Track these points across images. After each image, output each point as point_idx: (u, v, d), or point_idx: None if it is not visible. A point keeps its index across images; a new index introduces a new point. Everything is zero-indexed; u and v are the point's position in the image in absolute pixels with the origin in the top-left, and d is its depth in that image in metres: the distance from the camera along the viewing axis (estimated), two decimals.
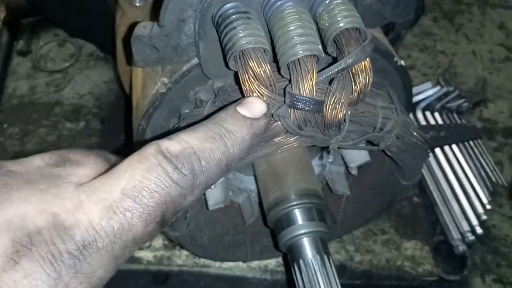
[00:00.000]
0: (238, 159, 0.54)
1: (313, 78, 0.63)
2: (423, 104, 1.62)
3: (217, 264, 1.22)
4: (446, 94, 1.65)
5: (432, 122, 1.60)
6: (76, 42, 1.80)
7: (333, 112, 0.66)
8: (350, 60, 0.64)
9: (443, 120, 1.62)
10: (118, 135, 1.57)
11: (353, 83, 0.66)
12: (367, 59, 0.66)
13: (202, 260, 1.22)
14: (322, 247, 0.84)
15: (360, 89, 0.66)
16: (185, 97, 0.83)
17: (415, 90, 1.65)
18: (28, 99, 1.67)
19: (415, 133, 0.79)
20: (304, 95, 0.63)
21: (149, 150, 0.48)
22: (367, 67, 0.65)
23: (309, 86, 0.63)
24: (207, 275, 1.25)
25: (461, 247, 1.32)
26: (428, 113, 1.63)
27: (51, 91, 1.69)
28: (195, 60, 0.78)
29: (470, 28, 2.00)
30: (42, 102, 1.66)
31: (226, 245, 1.07)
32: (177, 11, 0.69)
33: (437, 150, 1.51)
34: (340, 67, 0.64)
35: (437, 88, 1.64)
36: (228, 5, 0.67)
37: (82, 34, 1.42)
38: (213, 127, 0.53)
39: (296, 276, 0.82)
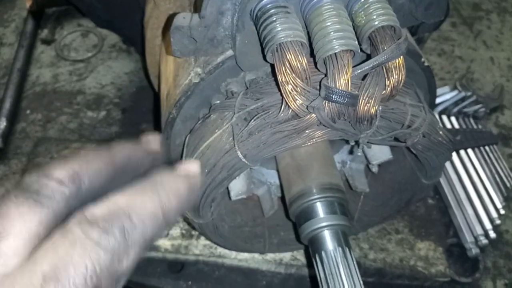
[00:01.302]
0: (176, 210, 0.48)
1: (349, 73, 0.65)
2: (440, 108, 1.63)
3: (233, 255, 1.25)
4: (463, 99, 1.66)
5: (449, 126, 1.61)
6: (99, 33, 1.84)
7: (366, 107, 0.68)
8: (385, 56, 0.66)
9: (459, 124, 1.63)
10: (138, 125, 1.60)
11: (386, 79, 0.68)
12: (401, 56, 0.68)
13: (219, 250, 1.25)
14: (343, 240, 0.86)
15: (393, 85, 0.68)
16: (217, 88, 0.85)
17: None
18: (51, 87, 1.70)
19: (441, 132, 0.81)
20: (339, 88, 0.65)
21: (73, 220, 0.42)
22: (401, 64, 0.67)
23: (345, 80, 0.65)
24: (222, 266, 1.27)
25: (474, 250, 1.33)
26: (444, 117, 1.64)
27: (74, 80, 1.72)
28: (229, 52, 0.80)
29: (489, 34, 2.00)
30: (65, 90, 1.69)
31: (245, 236, 1.09)
32: (217, 3, 0.71)
33: (453, 154, 1.52)
34: (375, 62, 0.66)
35: (455, 92, 1.66)
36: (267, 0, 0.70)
37: (108, 24, 1.45)
38: (144, 181, 0.48)
39: (317, 268, 0.84)
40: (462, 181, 1.46)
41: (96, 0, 1.33)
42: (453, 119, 1.65)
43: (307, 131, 0.71)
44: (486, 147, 1.59)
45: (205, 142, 0.81)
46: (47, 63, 1.77)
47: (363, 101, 0.67)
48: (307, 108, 0.67)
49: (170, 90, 0.92)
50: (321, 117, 0.67)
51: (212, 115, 0.84)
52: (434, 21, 0.83)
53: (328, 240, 0.85)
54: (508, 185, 1.51)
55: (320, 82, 0.66)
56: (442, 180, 1.47)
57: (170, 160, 1.00)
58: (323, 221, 0.87)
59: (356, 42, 0.66)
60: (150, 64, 1.19)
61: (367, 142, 0.74)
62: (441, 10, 0.81)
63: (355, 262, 0.83)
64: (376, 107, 0.68)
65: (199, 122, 0.87)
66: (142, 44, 1.21)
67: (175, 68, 0.92)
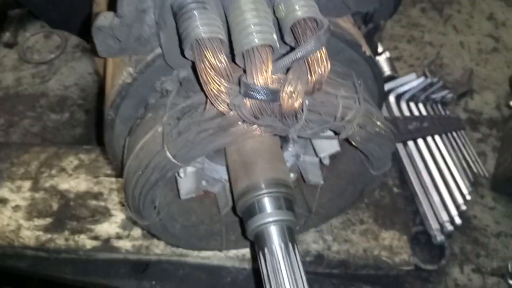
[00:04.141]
0: None
1: (268, 68, 0.64)
2: (407, 95, 1.62)
3: (195, 253, 1.24)
4: (430, 85, 1.64)
5: (416, 113, 1.60)
6: (62, 33, 1.81)
7: (289, 102, 0.66)
8: (305, 49, 0.64)
9: (427, 111, 1.62)
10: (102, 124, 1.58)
11: (309, 73, 0.66)
12: (324, 48, 0.66)
13: (181, 249, 1.24)
14: (288, 235, 0.84)
15: (316, 78, 0.67)
16: (152, 87, 0.83)
17: (400, 81, 1.65)
18: (14, 90, 1.68)
19: (378, 123, 0.80)
20: (258, 85, 0.63)
21: None
22: (323, 57, 0.66)
23: (264, 75, 0.63)
24: (186, 264, 1.26)
25: (439, 237, 1.33)
26: (412, 104, 1.63)
27: (37, 83, 1.70)
28: (158, 50, 0.78)
29: (459, 19, 1.98)
30: (28, 93, 1.67)
31: (200, 235, 1.08)
32: (135, 1, 0.69)
33: (420, 141, 1.51)
34: (295, 56, 0.64)
35: (422, 79, 1.64)
36: None
37: (63, 25, 1.42)
38: None
39: (261, 264, 0.83)
40: (428, 168, 1.45)
41: (48, 2, 1.30)
42: (420, 105, 1.64)
43: (232, 128, 0.70)
44: (454, 133, 1.58)
45: (138, 143, 0.80)
46: (9, 66, 1.75)
47: (286, 95, 0.66)
48: (228, 105, 0.66)
49: (108, 91, 0.90)
50: (243, 115, 0.66)
51: (147, 115, 0.83)
52: (367, 10, 0.81)
53: (272, 236, 0.84)
54: (475, 170, 1.51)
55: (239, 78, 0.65)
56: (409, 168, 1.46)
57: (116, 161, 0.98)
58: (267, 216, 0.86)
59: (275, 36, 0.65)
60: (97, 64, 1.17)
61: (298, 137, 0.73)
62: None
63: (299, 259, 0.82)
64: (300, 101, 0.67)
65: (136, 123, 0.85)
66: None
67: (113, 68, 0.90)
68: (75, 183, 1.34)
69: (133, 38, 0.75)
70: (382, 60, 1.73)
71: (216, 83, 0.65)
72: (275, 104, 0.67)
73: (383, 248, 1.28)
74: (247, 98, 0.65)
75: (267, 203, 0.88)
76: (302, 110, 0.69)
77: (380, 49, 1.71)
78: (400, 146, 1.50)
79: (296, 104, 0.67)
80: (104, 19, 0.72)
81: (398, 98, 1.62)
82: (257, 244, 0.86)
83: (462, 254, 1.38)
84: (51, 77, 1.71)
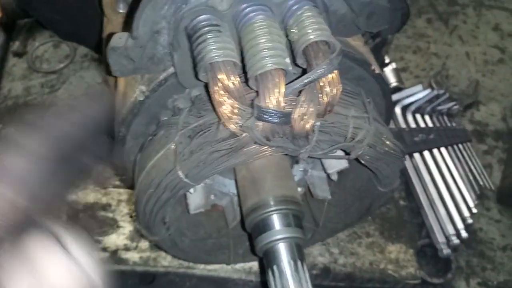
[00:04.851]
0: None
1: (281, 91, 0.64)
2: (413, 107, 1.62)
3: (202, 265, 1.25)
4: (437, 97, 1.65)
5: (422, 124, 1.60)
6: (71, 43, 1.82)
7: (301, 123, 0.67)
8: (317, 73, 0.65)
9: (433, 122, 1.63)
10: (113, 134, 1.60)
11: (320, 95, 0.67)
12: (335, 71, 0.67)
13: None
14: (297, 253, 0.85)
15: (328, 101, 0.67)
16: (164, 105, 0.84)
17: (405, 92, 1.66)
18: (23, 100, 1.69)
19: (388, 142, 0.80)
20: (271, 108, 0.64)
21: None
22: (335, 79, 0.67)
23: (276, 98, 0.64)
24: (193, 276, 1.27)
25: (445, 251, 1.33)
26: (418, 116, 1.63)
27: (46, 92, 1.71)
28: (171, 69, 0.79)
29: (465, 29, 1.99)
30: (37, 103, 1.68)
31: (208, 249, 1.09)
32: (150, 23, 0.71)
33: (426, 153, 1.52)
34: (307, 79, 0.65)
35: (428, 90, 1.64)
36: (200, 17, 0.69)
37: (72, 36, 1.44)
38: None
39: (269, 282, 0.83)
40: (434, 180, 1.46)
41: (57, 13, 1.32)
42: (427, 117, 1.64)
43: (244, 149, 0.71)
44: (460, 145, 1.59)
45: (150, 161, 0.81)
46: (19, 76, 1.76)
47: (298, 118, 0.66)
48: (241, 127, 0.67)
49: (119, 108, 0.91)
50: (255, 137, 0.67)
51: (159, 133, 0.84)
52: (377, 30, 0.82)
53: (281, 253, 0.85)
54: (481, 183, 1.51)
55: (253, 101, 0.66)
56: (415, 180, 1.47)
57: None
58: (276, 234, 0.87)
59: (288, 60, 0.66)
60: (107, 78, 1.18)
61: (308, 157, 0.74)
62: (384, 19, 0.80)
63: (308, 276, 0.82)
64: (312, 122, 0.67)
65: (148, 140, 0.86)
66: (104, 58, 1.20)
67: (124, 86, 0.91)
68: (83, 194, 1.35)
69: (146, 58, 0.77)
70: (388, 71, 1.74)
71: (229, 105, 0.66)
72: (286, 126, 0.68)
73: (390, 262, 1.28)
74: (259, 121, 0.66)
75: (276, 220, 0.88)
76: (313, 132, 0.70)
77: (386, 60, 1.72)
78: (406, 158, 1.50)
79: (308, 126, 0.68)
80: (118, 40, 0.74)
81: (404, 109, 1.63)
82: (266, 261, 0.87)
83: (468, 268, 1.38)
84: (60, 86, 1.73)
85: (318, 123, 0.70)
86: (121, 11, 1.02)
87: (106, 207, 1.34)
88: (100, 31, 1.27)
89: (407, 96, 1.64)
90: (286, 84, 0.66)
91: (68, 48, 1.83)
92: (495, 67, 1.87)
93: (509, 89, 1.79)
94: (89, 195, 1.36)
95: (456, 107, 1.67)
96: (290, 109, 0.66)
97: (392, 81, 1.71)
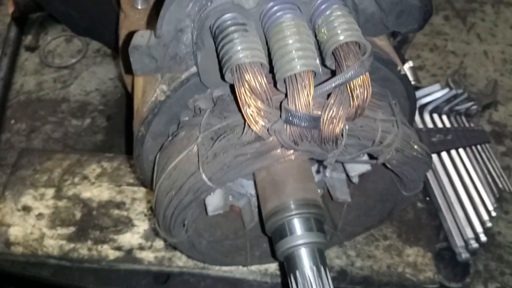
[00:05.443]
0: None
1: (310, 94, 0.62)
2: (430, 107, 1.59)
3: (217, 266, 1.23)
4: (455, 97, 1.61)
5: (440, 125, 1.57)
6: (84, 38, 1.81)
7: (330, 127, 0.65)
8: (348, 75, 0.62)
9: (451, 123, 1.59)
10: (123, 132, 1.58)
11: (351, 98, 0.65)
12: (366, 73, 0.64)
13: None
14: (319, 258, 0.83)
15: (358, 104, 0.65)
16: (185, 104, 0.82)
17: (423, 92, 1.62)
18: (35, 95, 1.68)
19: (415, 146, 0.78)
20: (300, 111, 0.62)
21: None
22: (366, 82, 0.64)
23: (306, 101, 0.62)
24: (208, 276, 1.25)
25: (464, 255, 1.30)
26: (435, 116, 1.60)
27: (58, 88, 1.70)
28: (193, 69, 0.77)
29: (483, 27, 1.95)
30: (49, 98, 1.67)
31: (225, 250, 1.07)
32: (174, 21, 0.68)
33: (444, 154, 1.49)
34: (338, 82, 0.63)
35: (446, 90, 1.61)
36: (226, 16, 0.67)
37: (86, 31, 1.42)
38: None
39: (292, 287, 0.81)
40: (453, 182, 1.43)
41: (71, 8, 1.30)
42: (444, 117, 1.61)
43: (271, 153, 0.69)
44: (478, 146, 1.56)
45: (172, 162, 0.79)
46: (31, 70, 1.75)
47: (327, 121, 0.64)
48: (268, 130, 0.64)
49: (138, 107, 0.90)
50: (283, 140, 0.64)
51: (180, 133, 0.82)
52: (406, 30, 0.79)
53: (303, 259, 0.83)
54: (500, 185, 1.48)
55: (281, 103, 0.63)
56: (432, 182, 1.44)
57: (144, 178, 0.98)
58: (298, 239, 0.84)
59: (317, 61, 0.63)
60: (125, 75, 1.16)
61: (336, 161, 0.71)
62: (413, 18, 0.78)
63: (330, 281, 0.80)
64: (341, 126, 0.65)
65: (168, 140, 0.84)
66: (118, 52, 1.18)
67: (144, 84, 0.89)
68: (97, 192, 1.34)
69: (168, 57, 0.75)
70: (405, 69, 1.70)
71: (256, 107, 0.64)
72: (315, 130, 0.65)
73: (407, 265, 1.26)
74: (287, 124, 0.63)
75: (297, 225, 0.86)
76: (342, 136, 0.67)
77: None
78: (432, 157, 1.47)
79: (337, 130, 0.65)
80: (141, 38, 0.72)
81: (421, 109, 1.60)
82: (288, 266, 0.85)
83: (487, 272, 1.35)
84: (72, 81, 1.72)
85: (347, 127, 0.68)
86: (139, 7, 1.00)
87: (120, 205, 1.33)
88: (115, 26, 1.25)
89: (424, 96, 1.61)
90: (315, 86, 0.64)
91: (81, 43, 1.82)
92: None
93: None
94: (103, 192, 1.34)
95: (474, 107, 1.64)
96: (319, 113, 0.64)
97: None
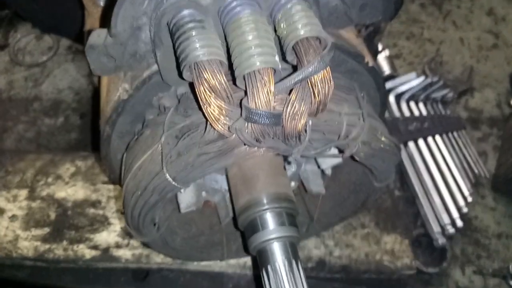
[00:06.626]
0: None
1: (270, 91, 0.61)
2: (407, 95, 1.60)
3: (195, 261, 1.23)
4: (431, 84, 1.62)
5: (417, 113, 1.58)
6: (54, 34, 1.76)
7: (292, 123, 0.64)
8: (308, 71, 0.62)
9: (427, 110, 1.60)
10: (98, 130, 1.56)
11: (312, 94, 0.64)
12: (327, 68, 0.63)
13: None
14: (291, 252, 0.83)
15: (320, 99, 0.64)
16: (149, 103, 0.81)
17: (399, 80, 1.63)
18: (6, 94, 1.64)
19: (382, 138, 0.78)
20: (261, 109, 0.61)
21: None
22: (327, 77, 0.63)
23: (266, 99, 0.61)
24: (187, 272, 1.25)
25: (441, 240, 1.32)
26: (412, 104, 1.61)
27: (30, 86, 1.66)
28: (155, 66, 0.75)
29: (458, 14, 1.95)
30: (20, 97, 1.63)
31: (201, 246, 1.07)
32: (129, 19, 0.67)
33: (420, 142, 1.50)
34: (298, 78, 0.62)
35: (422, 78, 1.62)
36: (183, 12, 0.65)
37: (53, 29, 1.38)
38: None
39: (264, 281, 0.81)
40: (429, 169, 1.44)
41: (37, 5, 1.26)
42: (421, 105, 1.62)
43: (234, 151, 0.68)
44: (454, 133, 1.57)
45: (137, 162, 0.77)
46: (1, 69, 1.71)
47: (289, 117, 0.63)
48: (229, 129, 0.63)
49: (103, 106, 0.88)
50: (244, 139, 0.64)
51: (145, 132, 0.80)
52: (370, 22, 0.79)
53: (275, 253, 0.82)
54: (476, 171, 1.50)
55: (241, 101, 0.62)
56: (409, 170, 1.45)
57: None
58: (270, 233, 0.84)
59: (277, 58, 0.62)
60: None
61: (301, 156, 0.71)
62: (377, 10, 0.77)
63: (302, 275, 0.81)
64: (303, 122, 0.64)
65: (134, 139, 0.83)
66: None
67: (108, 83, 0.87)
68: (72, 191, 1.32)
69: (128, 55, 0.73)
70: (382, 58, 1.70)
71: (216, 105, 0.63)
72: (277, 127, 0.65)
73: (385, 253, 1.27)
74: (249, 122, 0.63)
75: (270, 219, 0.86)
76: (306, 131, 0.67)
77: (379, 47, 1.68)
78: (401, 152, 1.48)
79: (299, 126, 0.65)
80: (97, 37, 0.70)
81: (398, 97, 1.60)
82: (260, 260, 0.85)
83: (464, 256, 1.38)
84: (44, 80, 1.68)
85: (310, 122, 0.67)
86: (101, 4, 0.97)
87: (96, 204, 1.31)
88: (81, 22, 1.22)
89: (401, 84, 1.61)
90: (276, 83, 0.63)
91: (51, 40, 1.78)
92: (489, 53, 1.84)
93: (503, 74, 1.77)
94: (78, 192, 1.32)
95: (450, 94, 1.65)
96: (281, 109, 0.63)
97: (386, 69, 1.68)
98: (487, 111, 1.69)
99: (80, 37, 1.32)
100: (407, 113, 1.57)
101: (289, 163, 0.71)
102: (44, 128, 1.56)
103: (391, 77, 1.66)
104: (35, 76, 1.68)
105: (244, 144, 0.67)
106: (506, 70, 1.78)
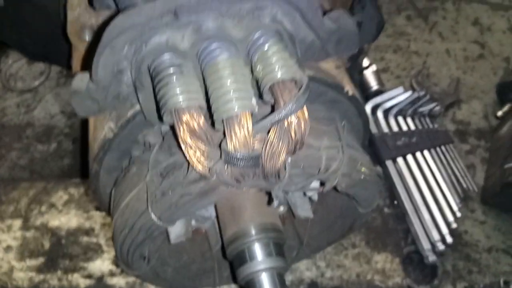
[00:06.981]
0: None
1: (248, 134, 0.63)
2: (394, 110, 1.62)
3: None
4: (418, 99, 1.64)
5: (405, 127, 1.60)
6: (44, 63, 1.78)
7: (271, 163, 0.66)
8: (283, 112, 0.63)
9: (415, 125, 1.62)
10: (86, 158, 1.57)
11: (289, 133, 0.66)
12: (303, 108, 0.65)
13: None
14: (279, 283, 0.84)
15: (297, 138, 0.66)
16: (135, 140, 0.82)
17: (387, 95, 1.64)
18: None
19: (362, 169, 0.79)
20: (239, 152, 0.63)
21: None
22: (303, 117, 0.65)
23: (244, 141, 0.63)
24: None
25: (431, 258, 1.33)
26: (400, 119, 1.63)
27: (22, 112, 1.68)
28: (138, 106, 0.77)
29: (444, 25, 1.98)
30: (13, 124, 1.65)
31: (192, 274, 1.08)
32: (110, 66, 0.68)
33: (409, 157, 1.51)
34: (274, 119, 0.64)
35: (409, 92, 1.63)
36: (162, 57, 0.67)
37: (42, 57, 1.40)
38: None
39: None
40: (418, 185, 1.46)
41: (24, 35, 1.28)
42: (409, 120, 1.64)
43: (217, 190, 0.69)
44: (442, 147, 1.59)
45: (124, 200, 0.79)
46: None
47: (267, 157, 0.65)
48: (209, 171, 0.65)
49: (91, 142, 0.89)
50: (225, 180, 0.65)
51: (131, 169, 0.82)
52: (347, 55, 0.81)
53: (263, 284, 0.84)
54: (465, 185, 1.51)
55: (220, 144, 0.64)
56: (399, 186, 1.47)
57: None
58: (257, 265, 0.85)
59: (253, 101, 0.64)
60: None
61: (283, 192, 0.72)
62: (353, 43, 0.79)
63: None
64: (282, 160, 0.66)
65: (121, 176, 0.84)
66: None
67: (94, 120, 0.89)
68: (65, 219, 1.34)
69: (111, 97, 0.75)
70: (369, 73, 1.72)
71: (197, 148, 0.65)
72: (257, 168, 0.66)
73: (376, 272, 1.28)
74: (228, 164, 0.64)
75: (257, 250, 0.87)
76: (285, 169, 0.68)
77: (366, 62, 1.71)
78: (389, 163, 1.50)
79: (278, 165, 0.66)
80: (80, 82, 0.71)
81: (386, 113, 1.62)
82: None
83: (455, 272, 1.39)
84: (36, 105, 1.69)
85: (289, 160, 0.69)
86: (87, 39, 0.99)
87: (89, 231, 1.32)
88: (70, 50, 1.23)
89: (389, 99, 1.63)
90: (255, 123, 0.65)
91: (43, 64, 1.79)
92: (475, 63, 1.86)
93: (489, 85, 1.79)
94: (72, 220, 1.34)
95: (437, 108, 1.67)
96: (259, 151, 0.65)
97: (373, 84, 1.70)
98: (474, 123, 1.71)
99: (69, 65, 1.34)
100: (395, 128, 1.59)
101: (272, 200, 0.72)
102: (37, 154, 1.57)
103: (379, 92, 1.68)
104: (27, 101, 1.70)
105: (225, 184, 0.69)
106: (493, 80, 1.80)
